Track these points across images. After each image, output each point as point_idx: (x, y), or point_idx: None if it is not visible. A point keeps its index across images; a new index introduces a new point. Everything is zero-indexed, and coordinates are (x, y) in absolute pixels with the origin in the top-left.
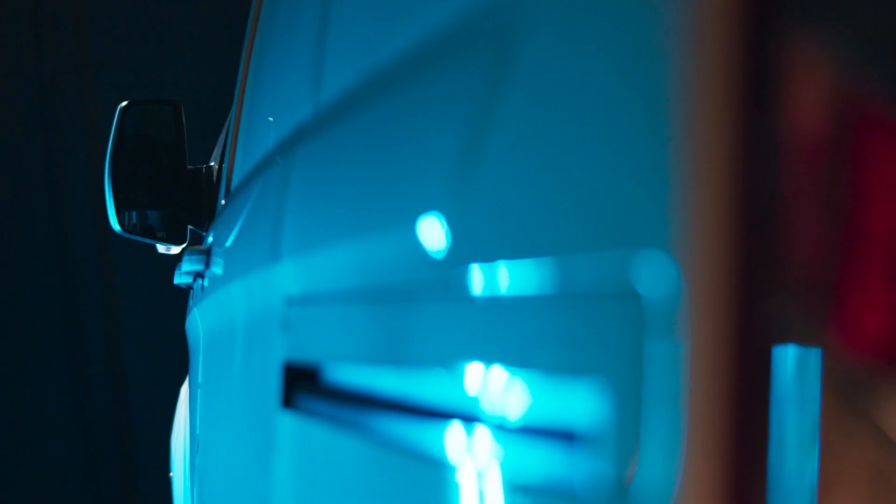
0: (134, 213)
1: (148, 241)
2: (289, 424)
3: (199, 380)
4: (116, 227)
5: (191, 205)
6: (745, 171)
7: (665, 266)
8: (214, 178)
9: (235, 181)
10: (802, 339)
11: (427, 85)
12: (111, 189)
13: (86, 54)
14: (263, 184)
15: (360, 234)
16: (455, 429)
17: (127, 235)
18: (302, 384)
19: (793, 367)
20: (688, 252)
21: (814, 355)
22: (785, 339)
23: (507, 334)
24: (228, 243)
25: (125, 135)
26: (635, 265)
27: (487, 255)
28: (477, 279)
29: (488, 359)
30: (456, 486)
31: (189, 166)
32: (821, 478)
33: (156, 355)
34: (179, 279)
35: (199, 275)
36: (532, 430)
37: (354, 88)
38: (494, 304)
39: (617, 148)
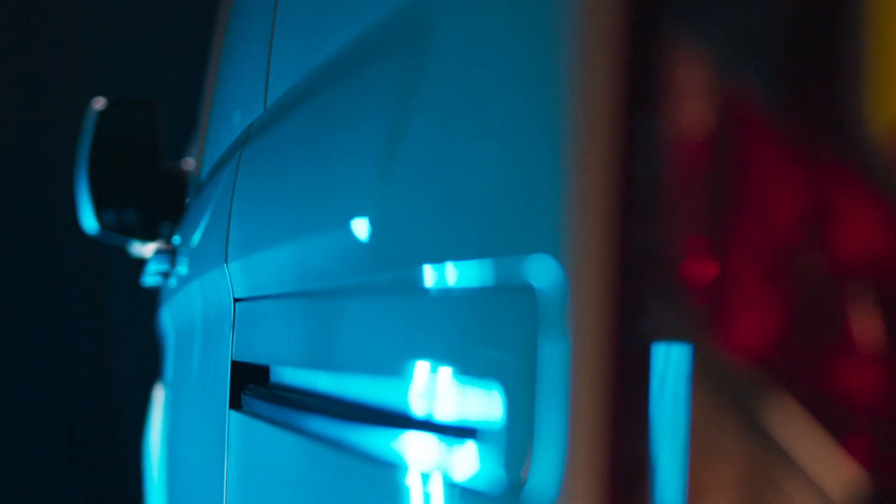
0: (110, 214)
1: (123, 241)
2: (236, 424)
3: (169, 379)
4: (92, 227)
5: (167, 204)
6: (625, 172)
7: (548, 266)
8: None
9: (201, 180)
10: (680, 337)
11: (352, 87)
12: (87, 188)
13: (75, 56)
14: (217, 184)
15: (296, 235)
16: (370, 425)
17: (101, 237)
18: (247, 384)
19: (670, 363)
20: (570, 252)
21: (691, 352)
22: (664, 336)
23: (421, 332)
24: (190, 242)
25: (101, 134)
26: (520, 266)
27: (403, 257)
28: (393, 280)
29: (403, 356)
30: (375, 482)
31: (168, 165)
32: (692, 472)
33: (144, 356)
34: (147, 279)
35: (166, 274)
36: (442, 427)
37: (293, 90)
38: (410, 304)
39: (508, 150)
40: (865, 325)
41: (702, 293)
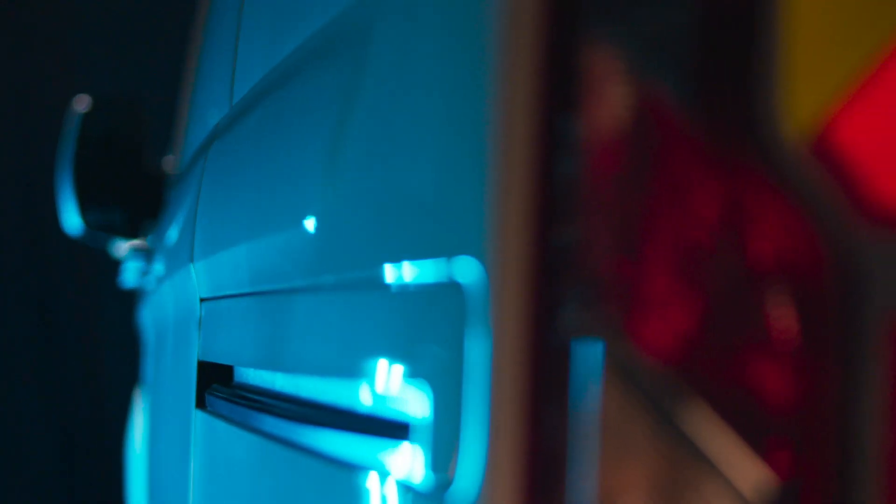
0: (94, 213)
1: (107, 241)
2: (201, 424)
3: (146, 379)
4: (76, 227)
5: (151, 202)
6: (544, 173)
7: (471, 266)
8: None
9: (176, 178)
10: (597, 335)
11: (301, 89)
12: (71, 188)
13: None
14: (187, 183)
15: (251, 235)
16: (314, 424)
17: (85, 238)
18: (212, 384)
19: (587, 362)
20: (491, 252)
21: (607, 350)
22: (581, 335)
23: (357, 332)
24: (162, 241)
25: (85, 134)
26: (445, 266)
27: (343, 258)
28: (333, 281)
29: (342, 355)
30: (318, 479)
31: (153, 162)
32: (606, 469)
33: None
34: (125, 280)
35: (143, 273)
36: (378, 424)
37: (252, 91)
38: (348, 305)
39: (435, 152)
40: (777, 326)
41: (618, 292)
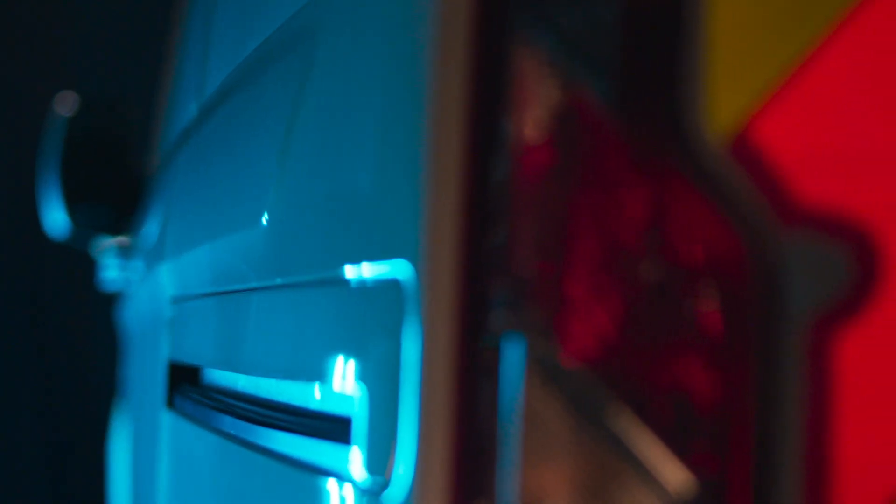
0: (80, 213)
1: (92, 241)
2: (170, 424)
3: (123, 379)
4: (60, 229)
5: (136, 200)
6: (473, 176)
7: (404, 269)
8: None
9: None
10: (524, 335)
11: (258, 90)
12: (57, 188)
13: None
14: (160, 182)
15: (214, 235)
16: (262, 424)
17: (70, 239)
18: (180, 384)
19: (514, 361)
20: (423, 254)
21: (535, 349)
22: (509, 334)
23: (299, 334)
24: (138, 240)
25: (71, 134)
26: (381, 269)
27: (289, 260)
28: (279, 283)
29: (288, 356)
30: (268, 479)
31: (139, 160)
32: (527, 463)
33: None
34: (103, 278)
35: (123, 272)
36: (322, 424)
37: (217, 91)
38: (291, 306)
39: (372, 153)
40: (699, 326)
41: (544, 293)
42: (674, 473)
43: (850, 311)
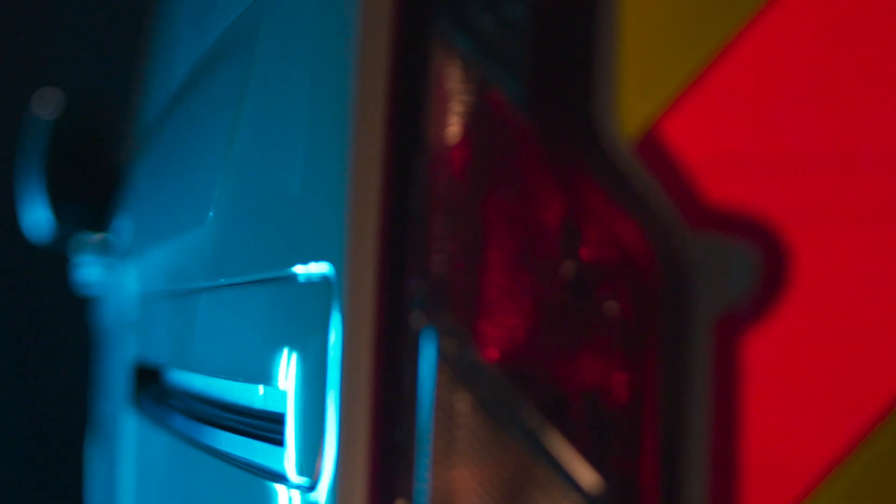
0: (64, 210)
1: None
2: (131, 423)
3: (96, 377)
4: (42, 231)
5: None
6: (394, 177)
7: (327, 269)
8: None
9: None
10: (439, 333)
11: (208, 88)
12: (41, 190)
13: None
14: (127, 180)
15: (169, 234)
16: (201, 423)
17: (52, 241)
18: (144, 382)
19: (430, 358)
20: (345, 252)
21: (450, 347)
22: (424, 333)
23: (232, 336)
24: (111, 239)
25: (54, 135)
26: (307, 269)
27: (226, 262)
28: (227, 280)
29: (232, 352)
30: (208, 477)
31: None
32: (438, 461)
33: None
34: (79, 277)
35: (97, 270)
36: (261, 420)
37: (177, 89)
38: (236, 303)
39: (302, 156)
40: (608, 326)
41: (459, 293)
42: (585, 473)
43: (756, 311)
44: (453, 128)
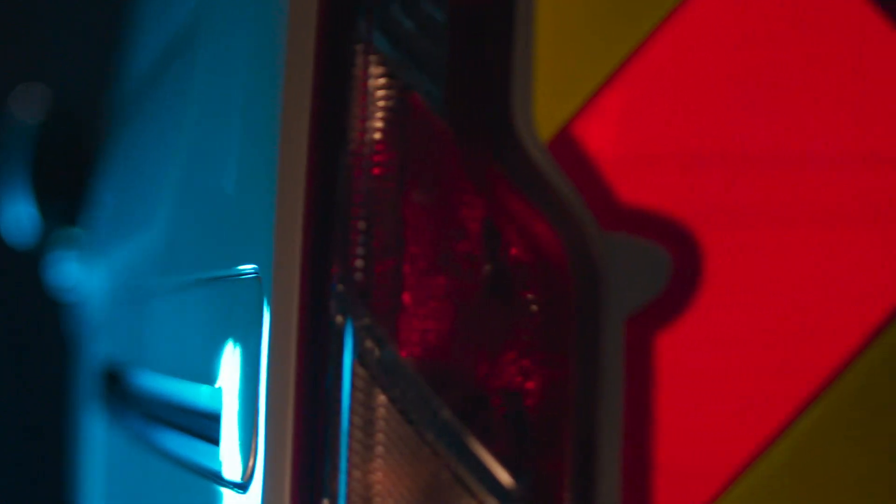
0: (49, 208)
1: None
2: (95, 423)
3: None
4: (26, 232)
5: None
6: (318, 179)
7: (255, 267)
8: None
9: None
10: (358, 332)
11: (162, 86)
12: (25, 185)
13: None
14: (100, 175)
15: (126, 235)
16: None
17: (35, 242)
18: (111, 383)
19: (347, 358)
20: (273, 253)
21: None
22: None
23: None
24: (85, 236)
25: (43, 124)
26: (237, 270)
27: (175, 259)
28: (172, 280)
29: (174, 352)
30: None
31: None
32: (354, 458)
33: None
34: (57, 276)
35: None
36: (200, 419)
37: (140, 86)
38: (178, 303)
39: (233, 155)
40: (523, 326)
41: (377, 293)
42: (500, 472)
43: (667, 312)
44: (374, 131)
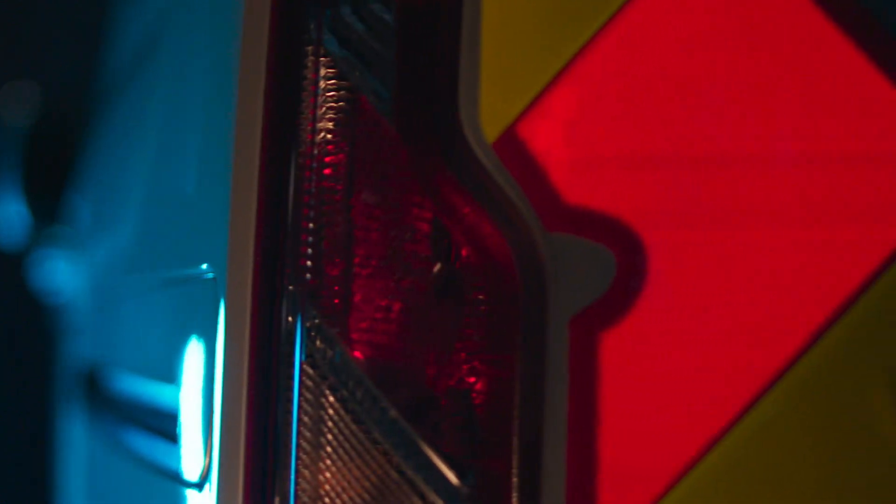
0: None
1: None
2: (80, 422)
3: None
4: (20, 232)
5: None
6: (269, 180)
7: (209, 272)
8: None
9: None
10: (307, 333)
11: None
12: (17, 185)
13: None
14: (84, 174)
15: (103, 235)
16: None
17: (30, 244)
18: (90, 382)
19: (294, 358)
20: (226, 253)
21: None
22: (293, 334)
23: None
24: (70, 235)
25: (34, 123)
26: (193, 272)
27: (141, 259)
28: (139, 280)
29: (139, 352)
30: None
31: None
32: (302, 459)
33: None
34: (36, 276)
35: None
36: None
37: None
38: (144, 303)
39: (192, 157)
40: (469, 327)
41: (325, 295)
42: (446, 472)
43: (613, 311)
44: (324, 132)
